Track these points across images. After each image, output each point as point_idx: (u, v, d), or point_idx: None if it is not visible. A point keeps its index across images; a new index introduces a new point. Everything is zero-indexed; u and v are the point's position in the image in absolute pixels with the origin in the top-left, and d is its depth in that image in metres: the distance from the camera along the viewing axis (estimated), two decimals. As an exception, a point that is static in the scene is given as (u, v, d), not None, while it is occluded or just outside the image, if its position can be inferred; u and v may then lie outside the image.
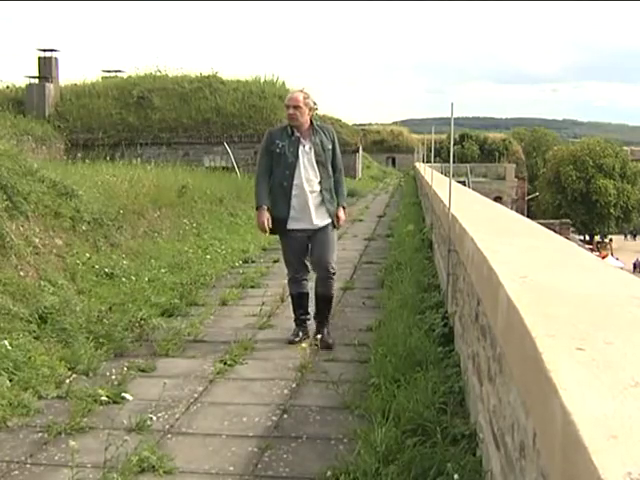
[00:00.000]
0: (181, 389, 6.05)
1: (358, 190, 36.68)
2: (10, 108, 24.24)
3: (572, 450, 1.59)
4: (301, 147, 7.19)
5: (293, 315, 7.68)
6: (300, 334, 7.44)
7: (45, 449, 4.83)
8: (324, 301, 7.50)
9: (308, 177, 7.20)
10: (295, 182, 7.16)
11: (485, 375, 3.97)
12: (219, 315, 8.81)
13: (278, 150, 7.15)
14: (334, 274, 7.52)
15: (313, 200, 7.24)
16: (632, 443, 1.49)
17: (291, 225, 7.26)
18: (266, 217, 7.22)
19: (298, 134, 7.21)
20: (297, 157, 7.16)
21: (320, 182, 7.26)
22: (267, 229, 7.29)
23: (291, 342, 7.33)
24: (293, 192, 7.17)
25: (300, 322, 7.60)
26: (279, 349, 7.26)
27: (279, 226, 7.30)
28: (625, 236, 68.07)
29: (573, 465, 1.59)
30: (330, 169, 7.35)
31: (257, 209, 7.31)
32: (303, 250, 7.43)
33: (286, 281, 7.90)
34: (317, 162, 7.22)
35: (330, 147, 7.33)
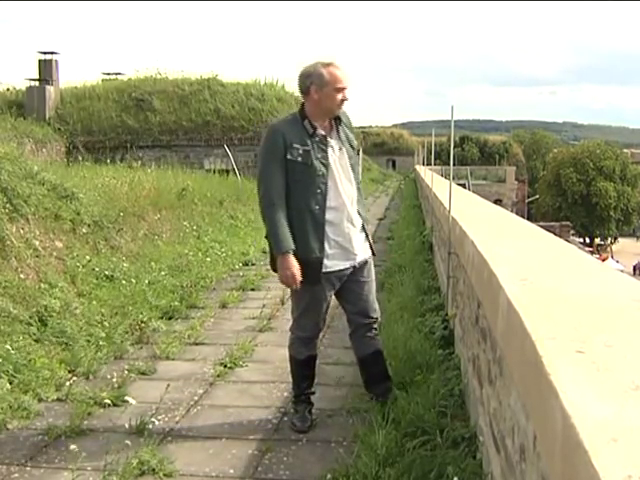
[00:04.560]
0: (181, 392, 6.05)
1: (358, 192, 36.60)
2: (10, 111, 24.26)
3: (572, 453, 1.59)
4: (330, 150, 4.90)
5: (295, 392, 5.47)
6: (308, 415, 5.32)
7: (45, 452, 4.83)
8: (380, 360, 5.45)
9: (348, 193, 4.99)
10: (330, 203, 4.89)
11: (485, 378, 3.97)
12: (219, 318, 8.82)
13: (300, 159, 4.79)
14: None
15: (353, 225, 5.06)
16: (633, 446, 1.49)
17: (329, 266, 4.97)
18: (296, 267, 4.83)
19: (322, 131, 4.90)
20: (328, 166, 4.86)
21: (359, 197, 5.16)
22: (298, 283, 4.89)
23: (304, 431, 5.19)
24: (327, 217, 4.90)
25: (305, 399, 5.39)
26: (279, 352, 7.25)
27: (310, 271, 4.90)
28: (605, 238, 67.82)
29: (573, 468, 1.59)
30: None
31: (281, 255, 4.85)
32: (329, 300, 5.22)
33: (291, 337, 5.54)
34: (351, 167, 5.05)
35: (355, 143, 5.17)
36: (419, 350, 6.19)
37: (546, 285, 3.17)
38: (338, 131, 5.00)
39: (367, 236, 5.22)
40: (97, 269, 9.44)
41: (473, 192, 16.90)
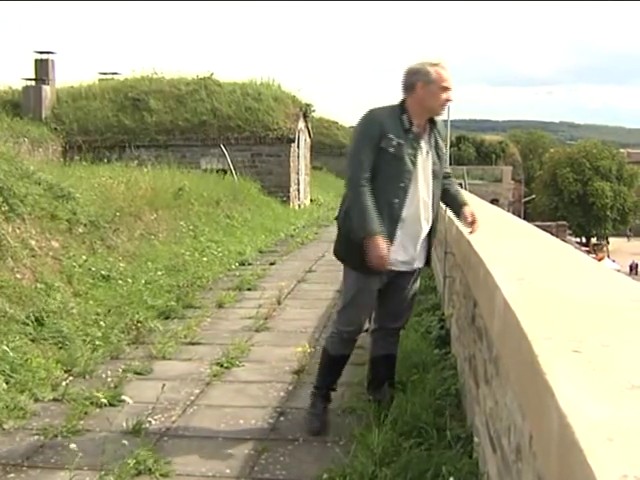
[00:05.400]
0: (177, 392, 6.05)
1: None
2: (7, 110, 24.19)
3: (568, 453, 1.59)
4: (419, 150, 4.84)
5: (318, 384, 5.43)
6: (322, 416, 5.27)
7: (42, 452, 4.82)
8: (391, 364, 5.49)
9: (424, 196, 4.92)
10: (407, 202, 4.82)
11: (482, 377, 3.97)
12: (215, 317, 8.83)
13: (392, 149, 4.72)
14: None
15: (422, 229, 4.99)
16: (628, 446, 1.49)
17: (389, 263, 4.87)
18: (385, 249, 4.72)
19: (417, 129, 4.84)
20: (416, 164, 4.81)
21: (432, 204, 5.02)
22: (387, 265, 4.78)
23: (318, 433, 5.14)
24: (403, 215, 4.84)
25: (325, 394, 5.37)
26: (275, 351, 7.26)
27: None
28: (602, 238, 67.61)
29: (569, 468, 1.59)
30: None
31: (371, 237, 4.70)
32: (375, 297, 5.14)
33: (333, 331, 5.39)
34: (432, 174, 4.96)
35: (445, 151, 5.09)
36: (415, 350, 6.19)
37: (543, 285, 3.17)
38: (430, 135, 4.93)
39: (429, 245, 5.15)
40: (93, 269, 9.42)
41: (470, 192, 16.89)
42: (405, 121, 4.77)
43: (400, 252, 4.91)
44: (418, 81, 4.76)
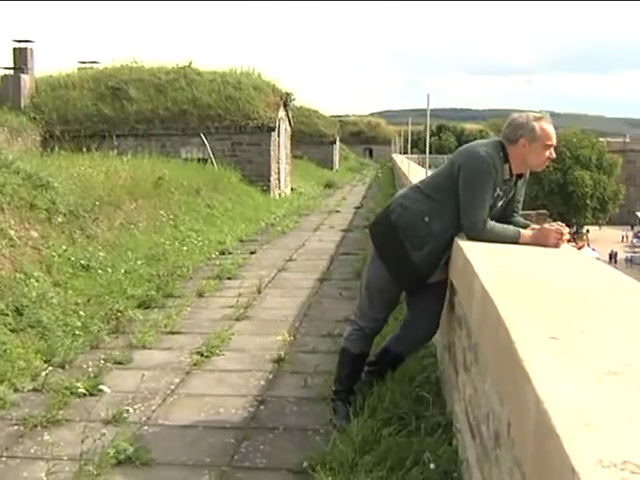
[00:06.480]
0: (157, 381, 6.04)
1: (335, 181, 36.76)
2: (-16, 100, 24.03)
3: (545, 438, 1.60)
4: (501, 202, 4.74)
5: (338, 387, 5.28)
6: (349, 413, 4.96)
7: (21, 442, 4.81)
8: (398, 363, 5.35)
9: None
10: None
11: (461, 365, 3.99)
12: (196, 307, 8.81)
13: (492, 201, 4.62)
14: None
15: None
16: (604, 431, 1.50)
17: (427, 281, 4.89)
18: (547, 228, 4.53)
19: (510, 182, 4.74)
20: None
21: None
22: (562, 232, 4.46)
23: (343, 430, 4.72)
24: None
25: (345, 397, 5.18)
26: (256, 340, 7.26)
27: (415, 276, 4.80)
28: (581, 227, 67.82)
29: (546, 453, 1.60)
30: None
31: (524, 236, 4.48)
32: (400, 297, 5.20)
33: (355, 329, 5.19)
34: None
35: (522, 194, 5.09)
36: (396, 338, 6.20)
37: (521, 272, 3.19)
38: (514, 186, 4.80)
39: None
40: (73, 258, 9.38)
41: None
42: (507, 171, 4.60)
43: (435, 279, 4.84)
44: (522, 137, 4.57)
